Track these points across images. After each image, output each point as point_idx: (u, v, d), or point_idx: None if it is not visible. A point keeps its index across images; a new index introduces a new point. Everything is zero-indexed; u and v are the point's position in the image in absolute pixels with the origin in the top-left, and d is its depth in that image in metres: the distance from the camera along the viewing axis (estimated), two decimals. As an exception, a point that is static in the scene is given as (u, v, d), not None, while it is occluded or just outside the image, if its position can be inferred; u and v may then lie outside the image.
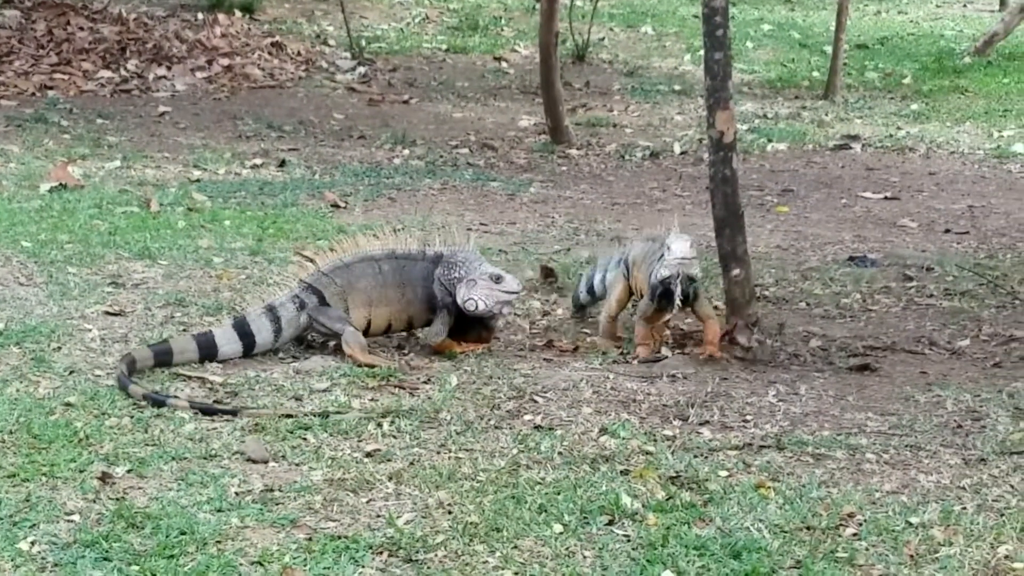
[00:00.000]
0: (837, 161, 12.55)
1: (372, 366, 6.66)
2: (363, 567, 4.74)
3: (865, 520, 5.15)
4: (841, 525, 5.12)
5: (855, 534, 5.06)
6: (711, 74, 7.29)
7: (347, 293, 6.95)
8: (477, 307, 6.95)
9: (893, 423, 6.18)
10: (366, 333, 6.92)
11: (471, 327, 7.07)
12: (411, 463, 5.57)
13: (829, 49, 16.08)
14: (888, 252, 9.26)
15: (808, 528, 5.09)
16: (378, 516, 5.11)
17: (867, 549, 4.96)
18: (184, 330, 7.04)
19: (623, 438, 5.87)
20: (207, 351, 6.66)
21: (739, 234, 7.31)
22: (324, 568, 4.70)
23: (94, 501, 5.12)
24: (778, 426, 6.13)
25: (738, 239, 7.30)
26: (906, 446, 5.91)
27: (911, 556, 4.89)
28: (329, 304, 6.91)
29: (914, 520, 5.16)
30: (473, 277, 6.96)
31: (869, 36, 19.00)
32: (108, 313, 7.29)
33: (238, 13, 17.69)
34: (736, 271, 7.23)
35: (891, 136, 13.57)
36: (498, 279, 6.98)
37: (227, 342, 6.74)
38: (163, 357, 6.54)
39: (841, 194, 11.23)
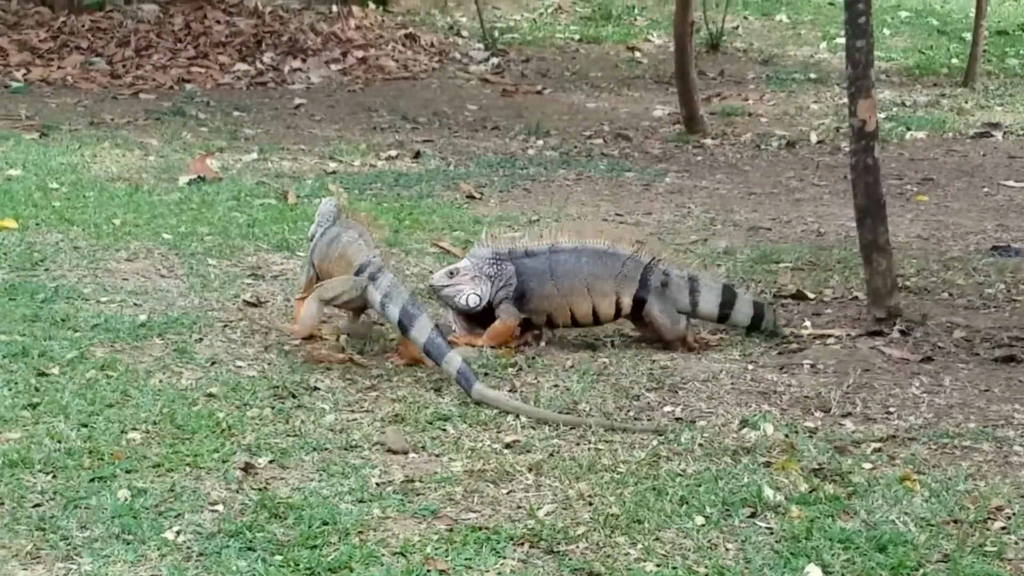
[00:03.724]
0: (978, 149, 12.36)
1: None
2: (504, 558, 4.73)
3: (1014, 513, 5.07)
4: (989, 518, 5.04)
5: (1004, 528, 4.98)
6: (853, 62, 7.21)
7: None
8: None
9: (1041, 415, 6.07)
10: None
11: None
12: (550, 454, 5.56)
13: (968, 36, 15.85)
14: (1032, 241, 9.11)
15: (955, 521, 5.01)
16: (518, 507, 5.10)
17: (1016, 543, 4.88)
18: (323, 321, 7.05)
19: (764, 430, 5.82)
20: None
21: (881, 224, 7.23)
22: (466, 559, 4.70)
23: (237, 491, 5.16)
24: (922, 418, 6.04)
25: (880, 229, 7.23)
26: (1055, 438, 5.81)
27: (1062, 551, 4.80)
28: None
29: (1065, 513, 5.07)
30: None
31: (1010, 22, 18.69)
32: (248, 303, 7.34)
33: (372, 5, 17.77)
34: (878, 261, 7.17)
35: (1033, 124, 13.35)
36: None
37: None
38: None
39: (983, 183, 11.05)
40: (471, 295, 6.91)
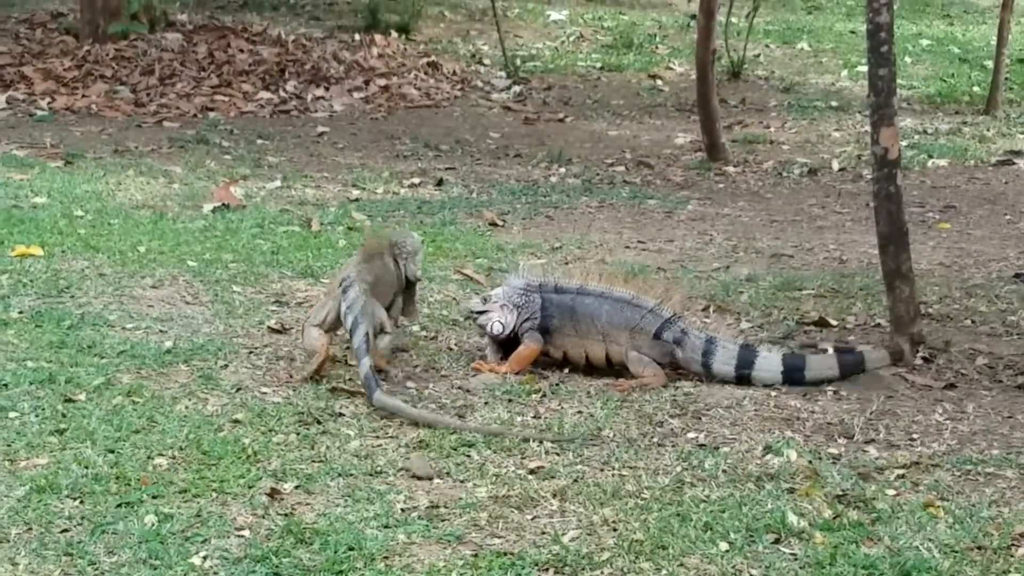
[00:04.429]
0: (1000, 177, 12.36)
1: None
2: (530, 584, 4.76)
3: (1038, 540, 5.08)
4: (1013, 545, 5.05)
5: (1028, 555, 4.99)
6: (875, 90, 7.23)
7: None
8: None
9: (1064, 442, 6.08)
10: None
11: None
12: (575, 480, 5.58)
13: (990, 64, 15.83)
14: (1055, 269, 9.11)
15: (979, 548, 5.02)
16: (543, 533, 5.13)
17: (1041, 570, 4.89)
18: (347, 348, 7.10)
19: (788, 456, 5.83)
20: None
21: (903, 251, 7.25)
22: (491, 585, 4.73)
23: (263, 517, 5.19)
24: (946, 444, 6.05)
25: (902, 256, 7.24)
26: (1078, 465, 5.81)
27: (1086, 578, 4.81)
28: None
29: (1088, 541, 5.07)
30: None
31: (1031, 50, 18.71)
32: (272, 330, 7.38)
33: (394, 34, 17.84)
34: (901, 288, 7.19)
35: (1055, 151, 13.34)
36: None
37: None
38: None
39: (1005, 210, 11.05)
40: (496, 322, 6.98)
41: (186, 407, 6.23)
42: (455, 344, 7.33)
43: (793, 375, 6.82)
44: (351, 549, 4.94)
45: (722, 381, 6.83)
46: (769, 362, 6.84)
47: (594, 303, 6.96)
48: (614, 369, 6.93)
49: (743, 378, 6.84)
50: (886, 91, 7.20)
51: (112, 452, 5.69)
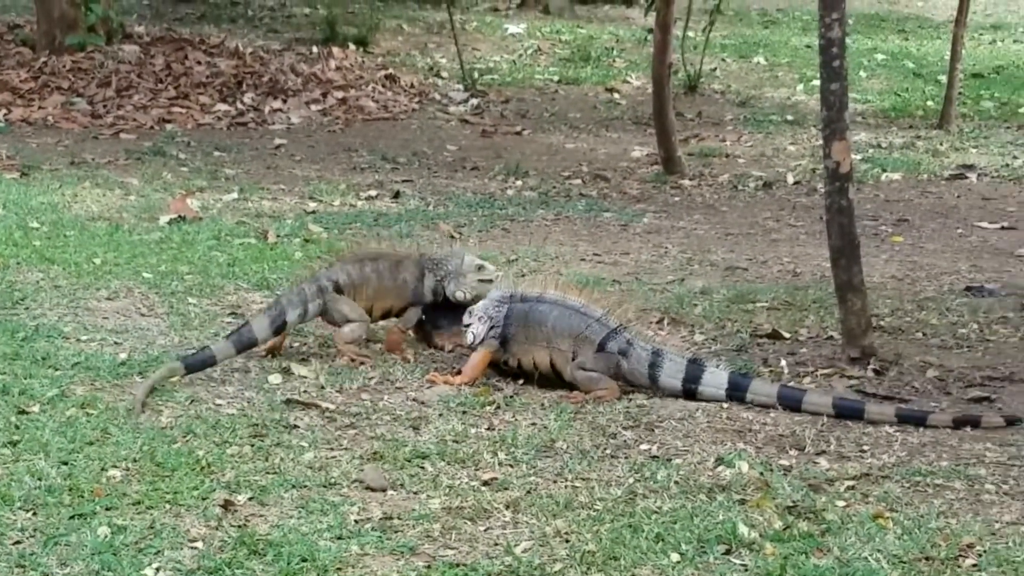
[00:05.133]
0: (953, 191, 12.45)
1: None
2: (482, 594, 4.79)
3: (985, 551, 5.13)
4: (961, 556, 5.09)
5: (975, 565, 5.04)
6: (827, 104, 7.29)
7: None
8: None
9: (1012, 453, 6.13)
10: None
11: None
12: (528, 492, 5.61)
13: (944, 78, 15.95)
14: (1006, 282, 9.17)
15: (927, 559, 5.07)
16: (496, 544, 5.15)
17: (987, 580, 4.94)
18: (302, 360, 7.14)
19: (739, 468, 5.87)
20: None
21: (855, 264, 7.30)
22: (443, 595, 4.76)
23: (217, 528, 5.20)
24: (895, 456, 6.10)
25: (854, 269, 7.30)
26: (1026, 476, 5.88)
27: (1032, 588, 4.86)
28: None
29: (1035, 551, 5.13)
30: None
31: (984, 65, 18.83)
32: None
33: (352, 46, 17.88)
34: (852, 301, 7.25)
35: (1007, 165, 13.43)
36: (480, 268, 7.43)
37: None
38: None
39: (957, 224, 11.14)
40: (470, 334, 7.05)
41: (140, 419, 6.23)
42: (411, 355, 7.34)
43: (734, 394, 6.75)
44: (304, 560, 4.95)
45: (669, 394, 6.84)
46: (716, 378, 6.81)
47: (545, 310, 6.99)
48: (563, 381, 6.95)
49: (690, 392, 6.82)
50: (838, 105, 7.26)
51: (65, 464, 5.69)
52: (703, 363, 6.87)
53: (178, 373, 6.75)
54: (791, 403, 6.66)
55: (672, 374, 6.83)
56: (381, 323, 7.51)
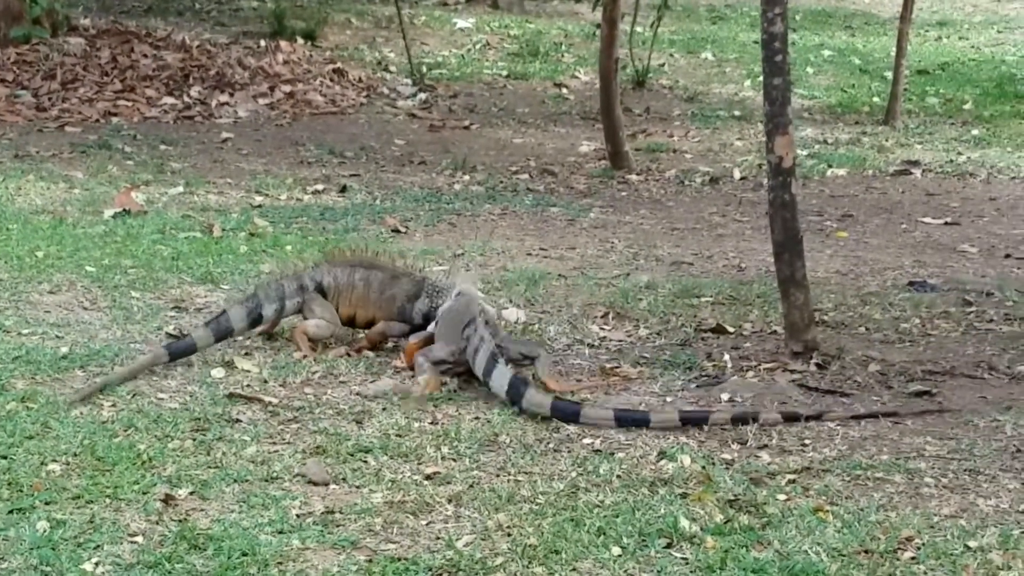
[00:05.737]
0: (897, 186, 12.51)
1: None
2: (422, 589, 4.79)
3: (923, 544, 5.16)
4: (899, 549, 5.13)
5: (913, 558, 5.07)
6: (770, 100, 7.32)
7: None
8: None
9: (952, 447, 6.18)
10: None
11: None
12: (470, 486, 5.62)
13: (889, 75, 16.02)
14: (948, 277, 9.23)
15: (866, 552, 5.10)
16: (438, 538, 5.16)
17: (925, 573, 4.98)
18: (246, 354, 7.12)
19: (681, 461, 5.89)
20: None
21: (798, 259, 7.33)
22: (384, 589, 4.75)
23: (157, 523, 5.19)
24: (836, 450, 6.14)
25: (797, 264, 7.32)
26: (965, 470, 5.92)
27: (970, 580, 4.90)
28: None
29: (972, 544, 5.17)
30: None
31: (930, 62, 18.92)
32: (171, 336, 7.36)
33: (300, 40, 17.81)
34: (795, 295, 7.28)
35: (952, 161, 13.51)
36: None
37: None
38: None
39: (901, 219, 11.20)
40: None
41: (81, 413, 6.21)
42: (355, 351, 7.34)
43: (514, 397, 6.52)
44: (245, 555, 4.94)
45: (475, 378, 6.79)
46: (502, 376, 6.60)
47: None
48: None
49: (484, 381, 6.69)
50: (780, 100, 7.28)
51: (4, 458, 5.66)
52: (497, 357, 6.67)
53: (162, 360, 6.80)
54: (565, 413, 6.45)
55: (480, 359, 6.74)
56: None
